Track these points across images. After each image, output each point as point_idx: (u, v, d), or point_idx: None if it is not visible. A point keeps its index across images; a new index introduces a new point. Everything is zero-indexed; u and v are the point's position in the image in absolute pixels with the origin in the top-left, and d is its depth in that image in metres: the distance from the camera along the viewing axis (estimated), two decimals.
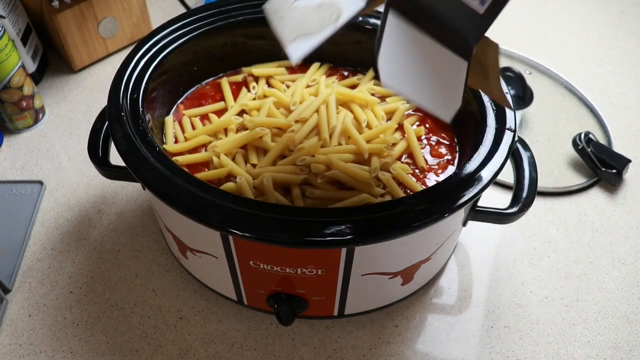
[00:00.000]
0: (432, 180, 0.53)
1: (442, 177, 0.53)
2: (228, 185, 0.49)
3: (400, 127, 0.57)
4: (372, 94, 0.59)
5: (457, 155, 0.55)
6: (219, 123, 0.55)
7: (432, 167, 0.54)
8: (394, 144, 0.54)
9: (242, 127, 0.56)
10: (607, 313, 0.57)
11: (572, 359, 0.53)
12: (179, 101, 0.60)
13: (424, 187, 0.52)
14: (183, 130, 0.57)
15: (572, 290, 0.59)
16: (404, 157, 0.55)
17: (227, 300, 0.55)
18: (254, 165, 0.52)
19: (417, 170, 0.53)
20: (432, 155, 0.55)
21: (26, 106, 0.71)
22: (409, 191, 0.51)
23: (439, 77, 0.39)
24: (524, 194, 0.50)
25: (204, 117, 0.58)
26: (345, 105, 0.58)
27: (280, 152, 0.52)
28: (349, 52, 0.62)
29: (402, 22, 0.38)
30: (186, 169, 0.50)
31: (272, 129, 0.54)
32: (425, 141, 0.56)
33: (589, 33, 0.91)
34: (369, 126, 0.55)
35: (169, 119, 0.57)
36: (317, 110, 0.56)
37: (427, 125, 0.58)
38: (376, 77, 0.62)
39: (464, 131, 0.56)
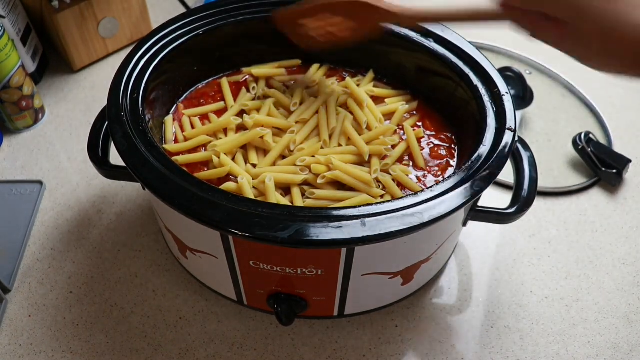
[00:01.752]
0: (431, 181, 0.53)
1: (441, 178, 0.53)
2: (228, 185, 0.49)
3: (400, 128, 0.57)
4: (372, 96, 0.59)
5: (456, 156, 0.55)
6: (219, 123, 0.55)
7: (432, 168, 0.54)
8: (393, 146, 0.54)
9: (242, 127, 0.56)
10: (608, 313, 0.57)
11: (572, 359, 0.53)
12: (179, 101, 0.60)
13: (424, 187, 0.52)
14: (183, 130, 0.57)
15: (573, 290, 0.59)
16: (402, 158, 0.55)
17: (227, 300, 0.55)
18: (254, 166, 0.52)
19: (417, 172, 0.53)
20: (432, 157, 0.55)
21: (26, 106, 0.71)
22: (408, 192, 0.51)
23: None
24: (524, 194, 0.50)
25: (204, 117, 0.58)
26: (345, 106, 0.58)
27: (280, 153, 0.52)
28: (348, 53, 0.62)
29: None
30: (185, 169, 0.50)
31: (272, 129, 0.54)
32: (424, 142, 0.56)
33: None
34: (368, 127, 0.55)
35: (169, 119, 0.57)
36: (316, 111, 0.56)
37: (427, 127, 0.58)
38: (376, 78, 0.62)
39: (464, 131, 0.56)
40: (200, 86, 0.62)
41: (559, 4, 0.35)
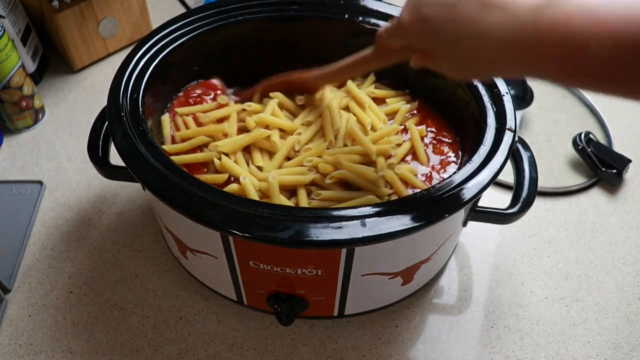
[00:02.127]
0: (434, 179, 0.53)
1: (444, 176, 0.53)
2: (232, 187, 0.49)
3: (403, 129, 0.57)
4: (373, 97, 0.59)
5: (460, 154, 0.55)
6: (219, 126, 0.55)
7: (435, 166, 0.54)
8: (398, 145, 0.54)
9: (243, 129, 0.55)
10: (608, 313, 0.57)
11: (572, 359, 0.53)
12: (178, 101, 0.60)
13: (429, 185, 0.51)
14: (178, 130, 0.56)
15: (573, 290, 0.59)
16: (407, 157, 0.55)
17: (227, 300, 0.55)
18: (260, 168, 0.51)
19: (421, 169, 0.53)
20: (435, 153, 0.55)
21: (26, 106, 0.71)
22: (414, 190, 0.51)
23: None
24: (524, 194, 0.50)
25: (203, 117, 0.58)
26: (347, 110, 0.57)
27: (286, 154, 0.52)
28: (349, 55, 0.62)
29: None
30: (185, 169, 0.50)
31: (276, 130, 0.54)
32: (427, 140, 0.56)
33: None
34: (373, 128, 0.55)
35: (165, 118, 0.57)
36: (320, 114, 0.56)
37: (428, 127, 0.57)
38: (376, 80, 0.62)
39: (464, 131, 0.56)
40: (199, 86, 0.62)
41: (416, 39, 0.41)
